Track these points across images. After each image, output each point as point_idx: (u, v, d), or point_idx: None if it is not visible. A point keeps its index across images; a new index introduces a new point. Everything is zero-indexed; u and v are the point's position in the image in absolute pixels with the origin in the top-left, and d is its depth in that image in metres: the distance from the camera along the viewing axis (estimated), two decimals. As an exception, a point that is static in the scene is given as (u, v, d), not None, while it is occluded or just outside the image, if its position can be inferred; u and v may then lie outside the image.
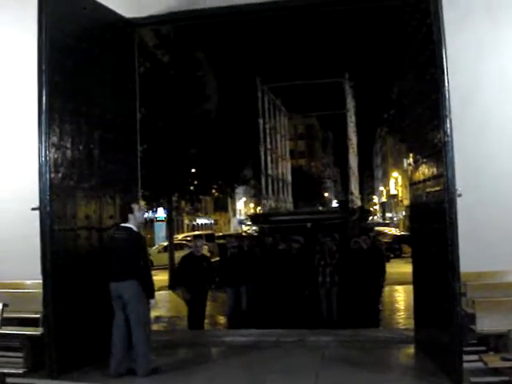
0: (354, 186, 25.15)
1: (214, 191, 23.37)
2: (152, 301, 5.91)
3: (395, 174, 58.38)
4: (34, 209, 5.88)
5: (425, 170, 6.03)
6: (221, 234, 38.19)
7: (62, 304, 5.85)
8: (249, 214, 58.99)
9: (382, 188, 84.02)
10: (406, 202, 25.88)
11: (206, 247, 16.57)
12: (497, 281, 5.98)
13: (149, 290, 5.87)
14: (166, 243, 25.94)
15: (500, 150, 6.38)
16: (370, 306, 10.47)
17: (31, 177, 6.07)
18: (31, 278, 6.48)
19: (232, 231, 51.24)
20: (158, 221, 40.80)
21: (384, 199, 79.01)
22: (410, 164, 6.78)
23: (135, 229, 6.03)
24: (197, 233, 37.46)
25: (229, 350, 7.21)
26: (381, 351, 6.72)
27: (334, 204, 72.25)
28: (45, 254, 5.80)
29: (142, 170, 7.91)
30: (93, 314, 6.09)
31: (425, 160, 6.03)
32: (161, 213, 33.47)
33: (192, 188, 20.61)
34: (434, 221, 5.62)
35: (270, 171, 22.21)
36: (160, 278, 20.93)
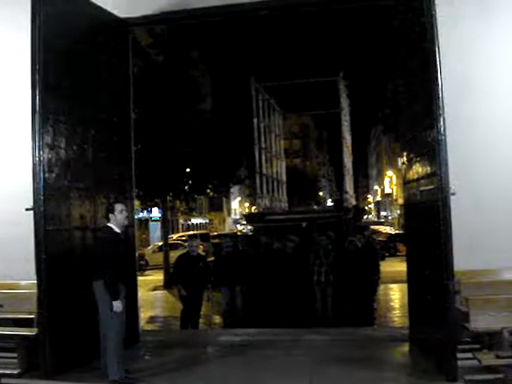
0: (349, 185, 25.10)
1: (208, 191, 23.32)
2: (114, 303, 5.54)
3: (390, 172, 58.52)
4: (28, 209, 5.85)
5: (418, 169, 6.06)
6: (216, 233, 38.17)
7: (57, 304, 5.83)
8: (244, 213, 58.97)
9: (376, 187, 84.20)
10: (401, 201, 25.94)
11: (201, 247, 16.57)
12: (490, 279, 5.99)
13: (111, 291, 5.58)
14: (160, 243, 25.91)
15: (494, 148, 6.40)
16: (365, 305, 10.49)
17: (25, 177, 6.03)
18: (25, 279, 6.46)
19: (227, 231, 51.22)
20: (153, 220, 40.82)
21: (379, 198, 79.16)
22: (403, 163, 6.80)
23: (116, 229, 5.82)
24: (191, 232, 37.42)
25: (224, 349, 7.21)
26: (376, 349, 6.73)
27: (329, 203, 72.25)
28: (39, 255, 5.78)
29: (137, 170, 7.90)
30: (87, 315, 6.04)
31: (418, 159, 6.05)
32: (155, 212, 33.52)
33: (187, 188, 20.59)
34: (427, 219, 5.64)
35: (264, 170, 22.13)
36: (155, 277, 20.97)
